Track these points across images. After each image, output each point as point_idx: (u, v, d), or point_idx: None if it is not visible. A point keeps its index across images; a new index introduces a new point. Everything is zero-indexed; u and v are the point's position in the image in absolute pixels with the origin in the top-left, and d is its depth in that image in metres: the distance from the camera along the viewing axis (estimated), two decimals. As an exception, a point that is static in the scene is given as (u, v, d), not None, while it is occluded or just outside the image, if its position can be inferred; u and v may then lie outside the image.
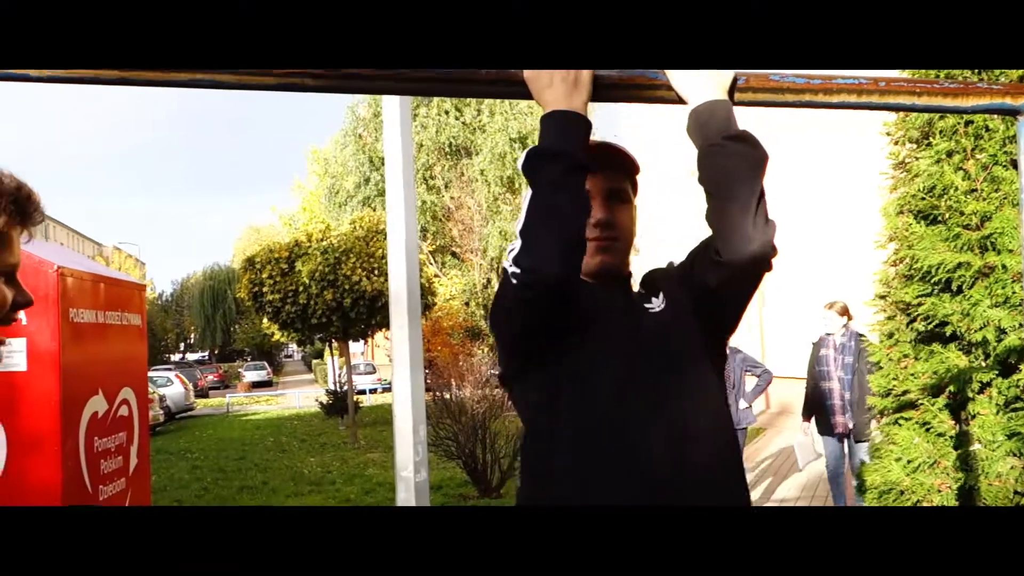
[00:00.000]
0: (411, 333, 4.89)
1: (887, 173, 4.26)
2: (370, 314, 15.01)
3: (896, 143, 4.20)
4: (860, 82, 1.45)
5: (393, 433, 4.87)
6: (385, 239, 14.56)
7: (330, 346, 20.74)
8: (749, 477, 7.06)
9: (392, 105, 4.99)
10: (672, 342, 1.55)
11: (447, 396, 9.38)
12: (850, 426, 5.86)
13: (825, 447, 6.16)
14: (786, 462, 9.29)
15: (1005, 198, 3.54)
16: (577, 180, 1.39)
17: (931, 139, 3.83)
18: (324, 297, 14.45)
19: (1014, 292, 3.43)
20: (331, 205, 30.10)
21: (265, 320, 16.81)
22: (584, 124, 1.40)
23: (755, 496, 7.55)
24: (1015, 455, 3.42)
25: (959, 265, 3.56)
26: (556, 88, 1.37)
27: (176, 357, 57.03)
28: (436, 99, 26.88)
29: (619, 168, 1.66)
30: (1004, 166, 3.57)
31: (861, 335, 5.89)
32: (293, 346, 53.41)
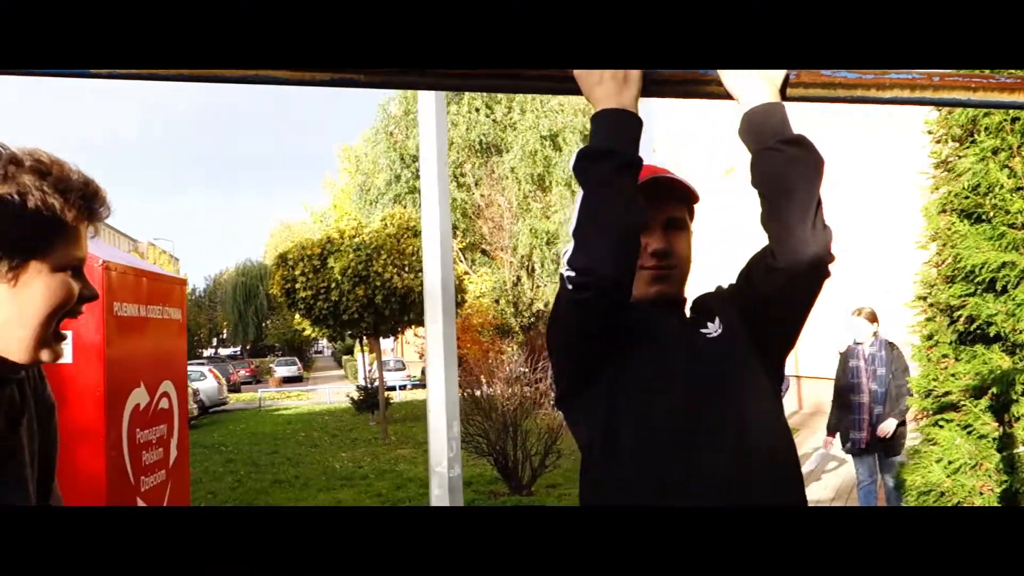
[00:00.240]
0: (445, 329, 4.91)
1: (928, 172, 4.20)
2: (401, 311, 15.10)
3: (938, 141, 4.14)
4: (913, 77, 1.42)
5: (427, 428, 4.90)
6: (415, 237, 14.70)
7: (360, 342, 20.88)
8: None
9: (428, 102, 5.01)
10: (731, 367, 1.52)
11: (477, 393, 9.42)
12: (884, 436, 5.52)
13: (857, 468, 5.85)
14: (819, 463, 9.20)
15: (1052, 196, 3.49)
16: (626, 179, 1.37)
17: (975, 136, 3.78)
18: (356, 293, 14.56)
19: (1061, 292, 3.37)
20: (362, 202, 30.31)
21: (297, 316, 16.96)
22: (634, 121, 1.39)
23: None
24: (1060, 458, 3.36)
25: (1003, 264, 3.51)
26: (606, 85, 1.36)
27: (208, 352, 57.80)
28: (467, 96, 26.95)
29: (678, 198, 1.65)
30: (1051, 164, 3.51)
31: (891, 343, 5.70)
32: (323, 342, 53.90)
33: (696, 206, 1.71)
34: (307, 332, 22.43)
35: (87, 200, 1.18)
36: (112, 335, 3.78)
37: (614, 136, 1.38)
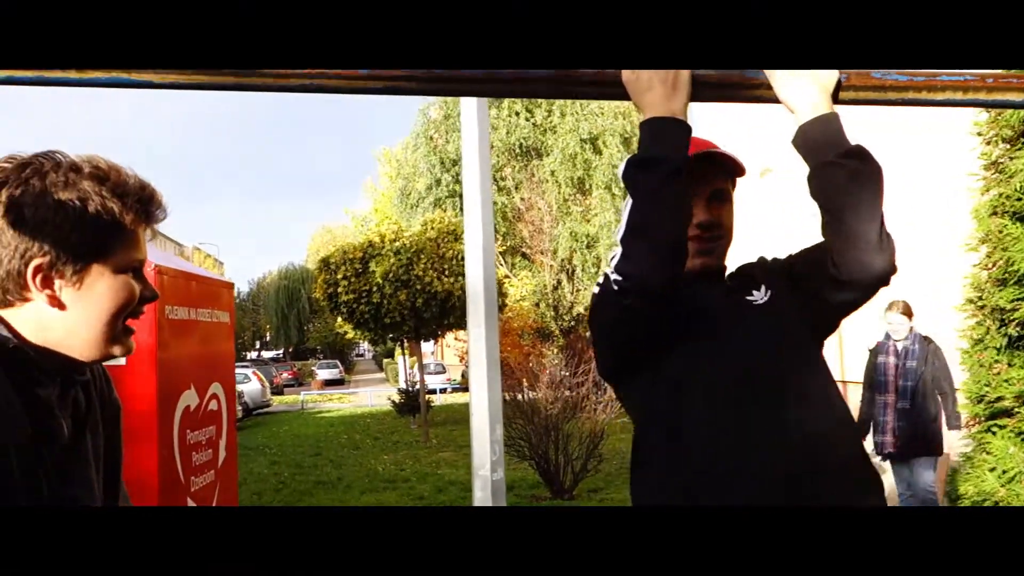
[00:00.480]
0: (488, 333, 4.94)
1: (977, 174, 4.13)
2: (442, 314, 15.20)
3: (988, 143, 4.07)
4: (966, 79, 1.40)
5: (470, 431, 4.93)
6: (456, 241, 14.78)
7: (401, 345, 21.03)
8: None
9: (470, 107, 5.05)
10: (782, 332, 1.55)
11: (519, 397, 9.43)
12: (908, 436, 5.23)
13: (895, 479, 5.55)
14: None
15: (1108, 198, 3.40)
16: (675, 187, 1.38)
17: (1028, 137, 3.70)
18: (398, 297, 14.68)
19: (1118, 296, 3.29)
20: (403, 206, 30.52)
21: (339, 320, 17.14)
22: (682, 128, 1.39)
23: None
24: (1118, 466, 3.28)
25: (1058, 267, 3.43)
26: (655, 91, 1.36)
27: (252, 355, 58.62)
28: (507, 100, 26.98)
29: (725, 172, 1.67)
30: (1107, 164, 3.43)
31: (926, 337, 5.41)
32: (365, 345, 54.35)
33: (739, 179, 1.73)
34: (349, 335, 22.68)
35: (144, 203, 1.22)
36: (164, 338, 3.87)
37: (663, 144, 1.39)
